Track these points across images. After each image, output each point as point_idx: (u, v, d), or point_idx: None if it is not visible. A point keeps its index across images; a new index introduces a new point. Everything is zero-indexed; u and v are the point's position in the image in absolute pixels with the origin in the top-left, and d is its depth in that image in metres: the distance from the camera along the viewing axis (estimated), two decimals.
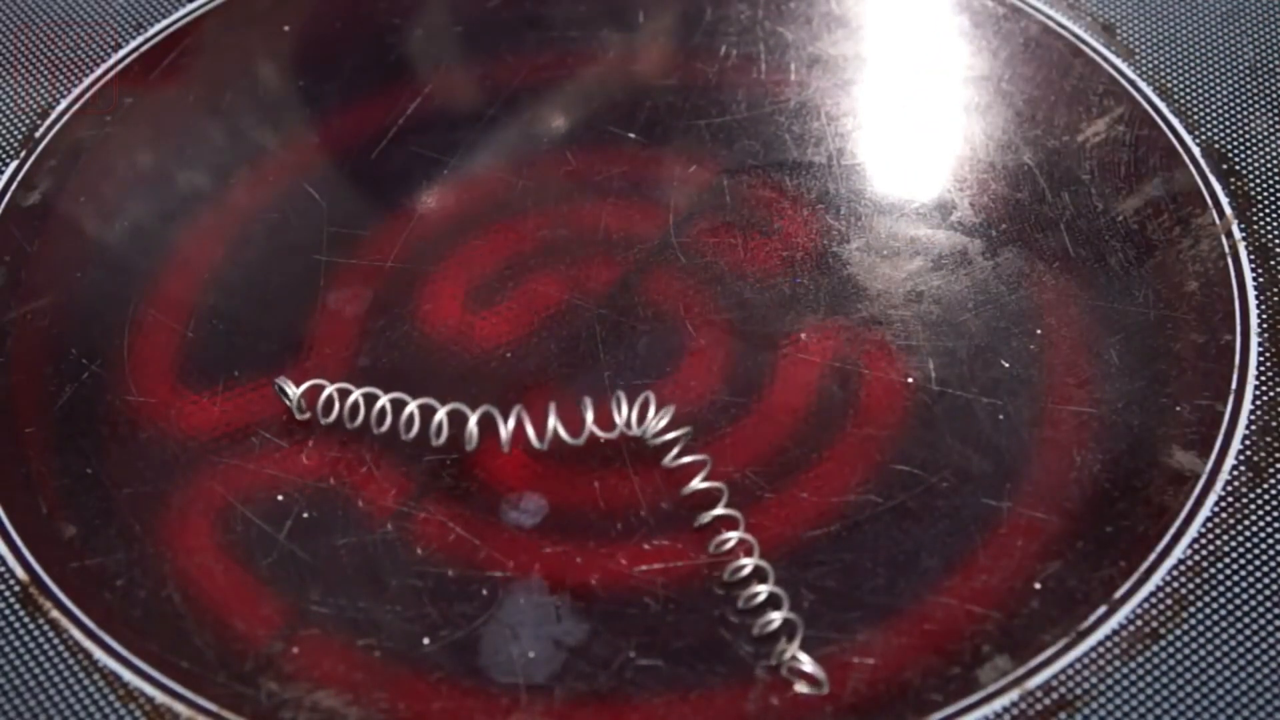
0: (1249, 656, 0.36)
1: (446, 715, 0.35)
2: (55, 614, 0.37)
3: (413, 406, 0.39)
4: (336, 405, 0.39)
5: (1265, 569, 0.37)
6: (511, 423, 0.38)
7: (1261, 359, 0.41)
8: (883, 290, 0.43)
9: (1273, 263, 0.43)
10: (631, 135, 0.47)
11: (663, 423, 0.38)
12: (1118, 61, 0.48)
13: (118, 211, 0.46)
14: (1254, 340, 0.41)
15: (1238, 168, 0.45)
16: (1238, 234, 0.43)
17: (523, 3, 0.51)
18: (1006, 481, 0.39)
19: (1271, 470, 0.39)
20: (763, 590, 0.36)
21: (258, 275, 0.44)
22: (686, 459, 0.38)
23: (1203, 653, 0.36)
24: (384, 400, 0.39)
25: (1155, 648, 0.36)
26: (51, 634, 0.37)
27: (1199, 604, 0.37)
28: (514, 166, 0.47)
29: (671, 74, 0.49)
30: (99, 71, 0.49)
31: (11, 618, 0.37)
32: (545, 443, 0.38)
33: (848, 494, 0.39)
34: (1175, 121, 0.46)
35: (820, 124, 0.47)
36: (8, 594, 0.38)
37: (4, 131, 0.48)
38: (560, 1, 0.51)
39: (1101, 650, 0.36)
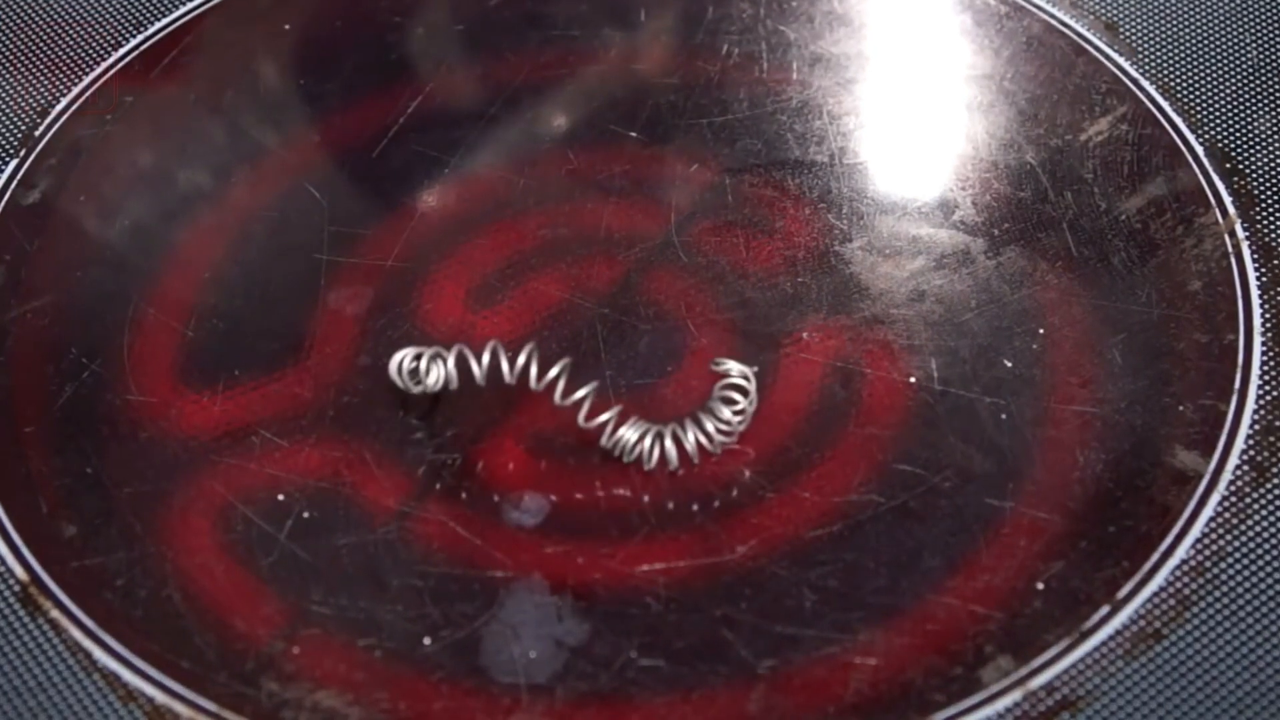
0: (1252, 657, 0.36)
1: (448, 715, 0.35)
2: (55, 614, 0.37)
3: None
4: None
5: (1268, 569, 0.37)
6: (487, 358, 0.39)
7: (1265, 358, 0.41)
8: (885, 289, 0.43)
9: (1276, 262, 0.43)
10: (633, 134, 0.47)
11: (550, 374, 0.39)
12: (1121, 60, 0.48)
13: (118, 210, 0.46)
14: (1257, 340, 0.41)
15: (1241, 167, 0.45)
16: (1241, 233, 0.43)
17: (524, 1, 0.51)
18: (1009, 481, 0.39)
19: (1275, 470, 0.39)
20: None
21: (258, 274, 0.44)
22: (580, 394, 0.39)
23: (1206, 653, 0.36)
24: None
25: (1158, 648, 0.36)
26: (51, 634, 0.37)
27: (1202, 604, 0.37)
28: (515, 165, 0.47)
29: (673, 73, 0.49)
30: (99, 70, 0.49)
31: (11, 617, 0.37)
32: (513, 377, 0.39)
33: (850, 494, 0.39)
34: (1178, 120, 0.46)
35: (822, 123, 0.47)
36: (8, 594, 0.38)
37: (4, 130, 0.48)
38: (561, 0, 0.51)
39: (1104, 650, 0.36)
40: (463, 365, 0.39)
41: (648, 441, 0.39)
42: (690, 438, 0.39)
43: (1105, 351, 0.41)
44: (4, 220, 0.45)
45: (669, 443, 0.39)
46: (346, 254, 0.44)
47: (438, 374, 0.39)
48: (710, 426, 0.39)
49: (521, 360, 0.39)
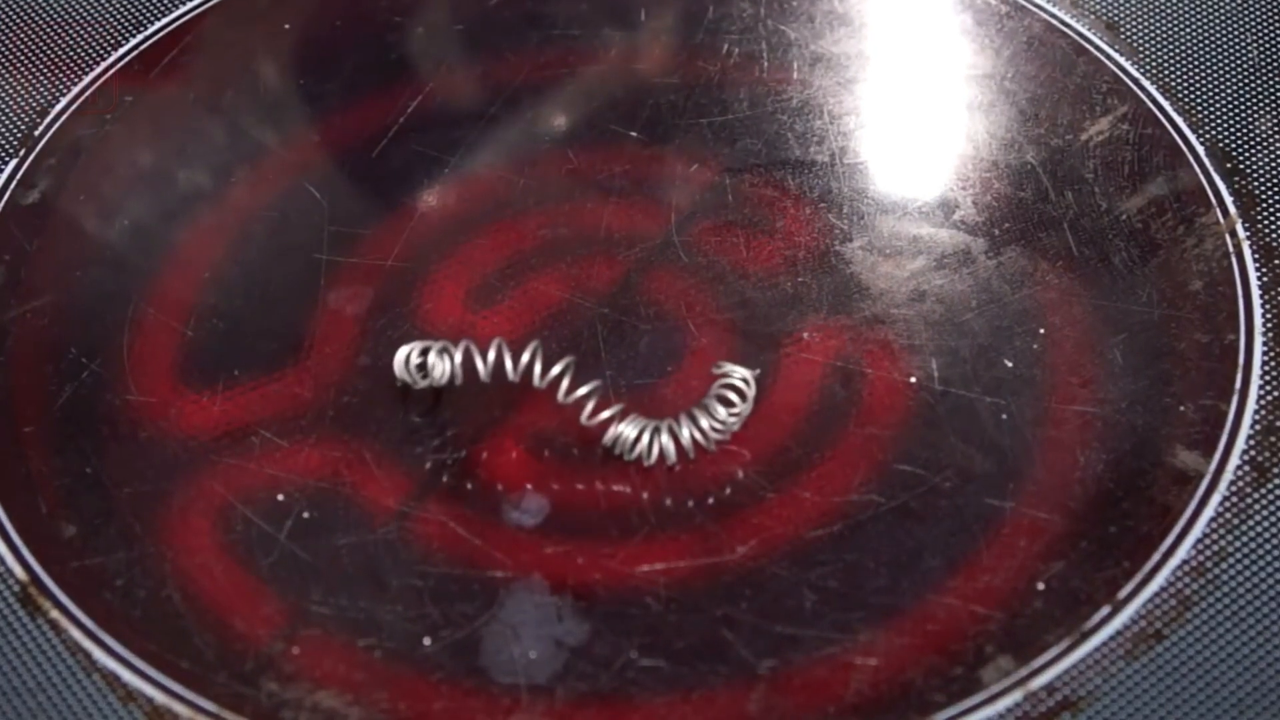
0: (1253, 657, 0.36)
1: (448, 715, 0.35)
2: (55, 614, 0.37)
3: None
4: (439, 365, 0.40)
5: (1269, 569, 0.37)
6: (491, 355, 0.39)
7: (1265, 358, 0.41)
8: (885, 289, 0.43)
9: (1277, 262, 0.43)
10: (633, 134, 0.47)
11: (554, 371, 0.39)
12: (1121, 60, 0.48)
13: (118, 210, 0.46)
14: (1258, 340, 0.41)
15: (1242, 167, 0.45)
16: (1242, 233, 0.43)
17: (524, 1, 0.51)
18: (1009, 481, 0.39)
19: (1275, 470, 0.39)
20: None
21: (258, 274, 0.44)
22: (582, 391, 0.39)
23: (1206, 653, 0.36)
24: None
25: (1159, 648, 0.36)
26: (51, 634, 0.37)
27: (1202, 604, 0.37)
28: (515, 165, 0.47)
29: (674, 72, 0.49)
30: (99, 70, 0.49)
31: (11, 617, 0.37)
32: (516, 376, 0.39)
33: (850, 494, 0.39)
34: (1179, 120, 0.46)
35: (823, 122, 0.47)
36: (7, 594, 0.38)
37: (4, 130, 0.48)
38: (561, 0, 0.51)
39: (1105, 651, 0.36)
40: (468, 361, 0.39)
41: (646, 437, 0.39)
42: (685, 433, 0.39)
43: (1106, 351, 0.41)
44: (4, 220, 0.45)
45: (665, 437, 0.39)
46: (346, 254, 0.44)
47: (444, 368, 0.39)
48: (705, 424, 0.39)
49: (525, 358, 0.39)
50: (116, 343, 0.42)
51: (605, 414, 0.39)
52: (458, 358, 0.39)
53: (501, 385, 0.41)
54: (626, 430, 0.39)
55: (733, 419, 0.39)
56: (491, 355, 0.39)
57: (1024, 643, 0.36)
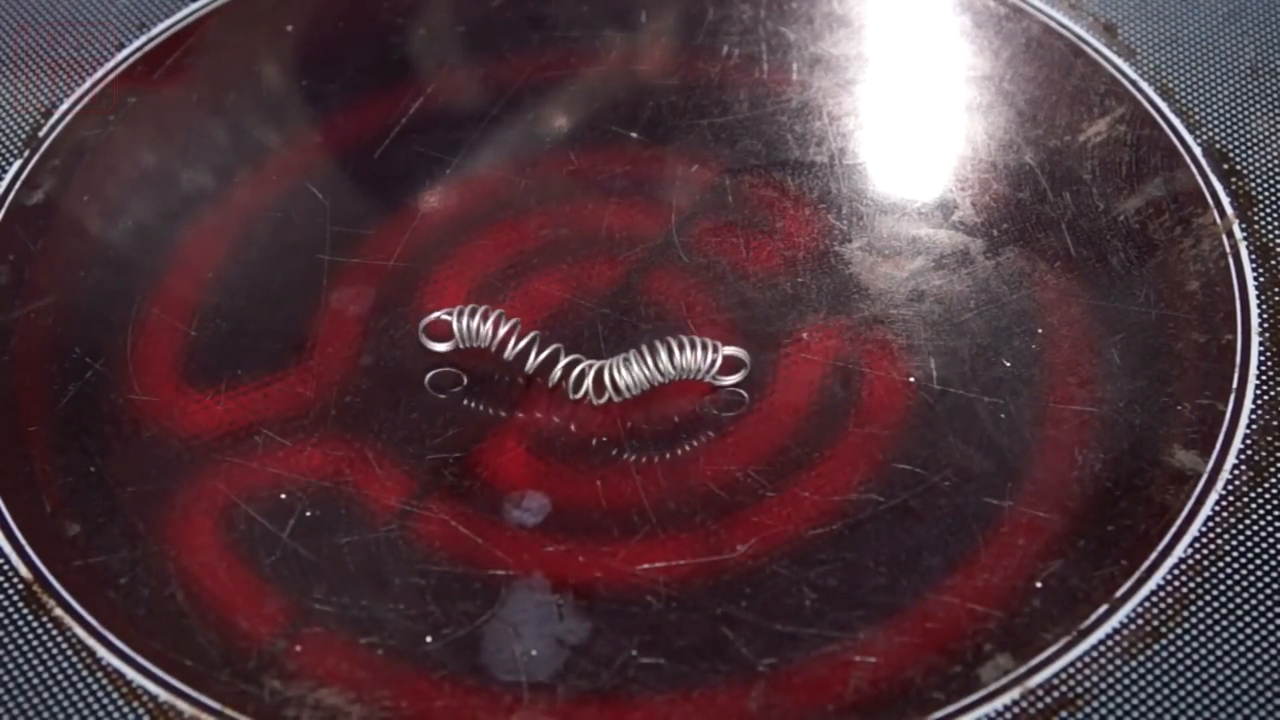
0: (1250, 655, 0.36)
1: (449, 713, 0.36)
2: (59, 612, 0.37)
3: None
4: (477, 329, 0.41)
5: (1266, 568, 0.37)
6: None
7: (1262, 358, 0.41)
8: (884, 290, 0.43)
9: (1273, 262, 0.43)
10: (634, 135, 0.47)
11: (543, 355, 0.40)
12: (1119, 61, 0.48)
13: (121, 211, 0.46)
14: (1255, 339, 0.41)
15: (1239, 167, 0.45)
16: (1239, 234, 0.44)
17: (525, 2, 0.51)
18: (1008, 480, 0.39)
19: (1272, 469, 0.39)
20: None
21: (261, 274, 0.44)
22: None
23: (1204, 651, 0.36)
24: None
25: (1156, 646, 0.36)
26: (55, 632, 0.37)
27: (1200, 603, 0.37)
28: (517, 166, 0.47)
29: (674, 74, 0.49)
30: (102, 71, 0.49)
31: (15, 616, 0.37)
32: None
33: (849, 493, 0.39)
34: (1176, 121, 0.46)
35: (822, 124, 0.47)
36: (11, 592, 0.38)
37: (8, 131, 0.48)
38: (563, 1, 0.51)
39: (1103, 649, 0.36)
40: (507, 337, 0.40)
41: (591, 373, 0.40)
42: (633, 371, 0.40)
43: (1104, 351, 0.41)
44: (8, 221, 0.45)
45: (607, 376, 0.40)
46: (349, 254, 0.44)
47: (492, 333, 0.40)
48: (651, 364, 0.40)
49: (545, 355, 0.40)
50: (120, 342, 0.42)
51: (578, 369, 0.40)
52: (502, 329, 0.40)
53: (501, 385, 0.41)
54: (585, 368, 0.40)
55: (671, 371, 0.40)
56: (523, 344, 0.40)
57: (1022, 641, 0.36)
